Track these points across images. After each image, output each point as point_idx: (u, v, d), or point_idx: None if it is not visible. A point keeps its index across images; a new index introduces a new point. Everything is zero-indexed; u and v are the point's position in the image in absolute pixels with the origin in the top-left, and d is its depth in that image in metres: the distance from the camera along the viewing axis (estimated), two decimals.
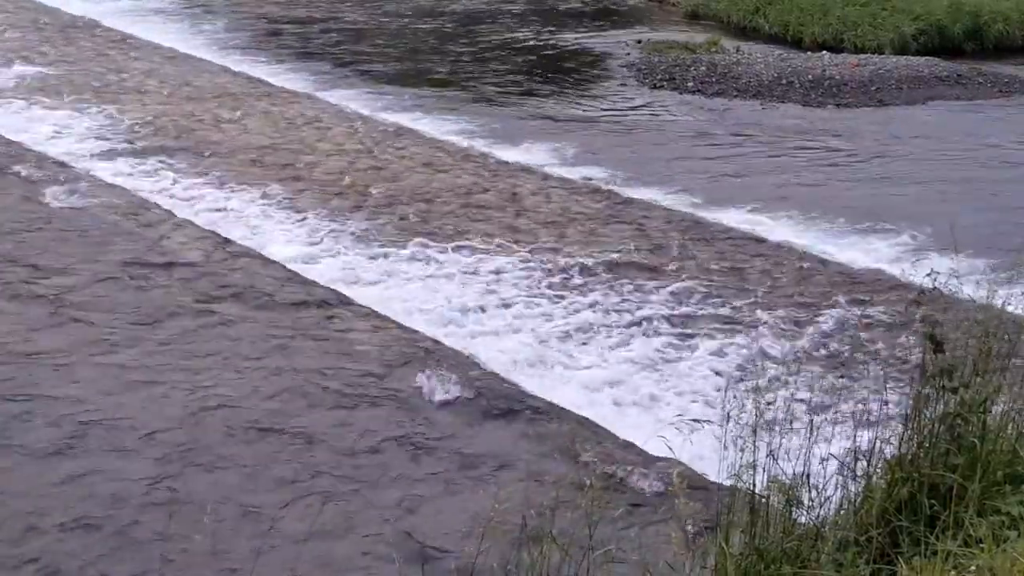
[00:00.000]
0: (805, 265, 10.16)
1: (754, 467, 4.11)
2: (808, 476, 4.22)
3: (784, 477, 4.17)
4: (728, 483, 4.22)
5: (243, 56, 18.66)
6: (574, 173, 12.81)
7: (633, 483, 6.53)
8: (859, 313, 9.09)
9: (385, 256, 10.24)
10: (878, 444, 4.35)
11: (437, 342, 8.53)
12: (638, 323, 8.95)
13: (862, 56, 18.50)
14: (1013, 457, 4.44)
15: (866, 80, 17.14)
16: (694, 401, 7.73)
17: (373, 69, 18.22)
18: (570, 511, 4.00)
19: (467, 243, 10.51)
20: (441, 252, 10.30)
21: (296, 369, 7.95)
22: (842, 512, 4.23)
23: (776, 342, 8.62)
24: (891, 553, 4.05)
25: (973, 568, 3.80)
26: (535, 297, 9.41)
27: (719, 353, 8.43)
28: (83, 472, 6.52)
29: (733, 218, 11.39)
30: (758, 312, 9.14)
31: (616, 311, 9.15)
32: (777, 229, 11.11)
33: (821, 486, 4.23)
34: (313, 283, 9.57)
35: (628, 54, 19.24)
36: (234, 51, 19.08)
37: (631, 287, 9.59)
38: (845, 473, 4.32)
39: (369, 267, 10.02)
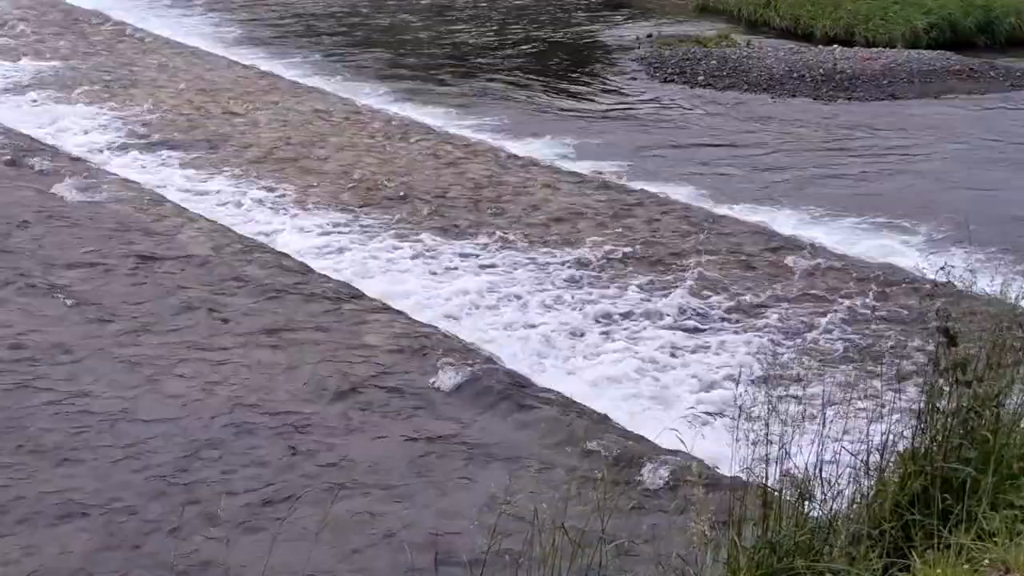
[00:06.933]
0: (817, 259, 10.13)
1: (767, 461, 4.10)
2: (821, 470, 4.21)
3: (797, 471, 4.16)
4: (741, 476, 4.22)
5: (252, 51, 18.67)
6: (585, 167, 12.80)
7: (645, 476, 6.53)
8: (872, 307, 9.07)
9: (395, 249, 10.24)
10: (891, 438, 4.34)
11: (448, 335, 8.54)
12: (649, 316, 8.95)
13: (874, 50, 18.43)
14: None
15: (878, 74, 17.07)
16: (706, 395, 7.73)
17: (381, 63, 18.22)
18: (581, 503, 4.00)
19: (478, 237, 10.52)
20: (451, 246, 10.30)
21: (307, 361, 7.96)
22: (855, 506, 4.22)
23: (788, 336, 8.61)
24: (904, 547, 4.04)
25: (986, 562, 3.80)
26: (546, 290, 9.41)
27: (731, 347, 8.42)
28: (88, 468, 6.55)
29: (745, 212, 11.37)
30: (770, 306, 9.13)
31: (627, 304, 9.14)
32: (789, 223, 11.09)
33: (834, 480, 4.22)
34: (324, 276, 9.59)
35: (638, 48, 19.20)
36: (245, 45, 19.10)
37: (642, 280, 9.58)
38: (858, 467, 4.31)
39: (379, 260, 10.03)
